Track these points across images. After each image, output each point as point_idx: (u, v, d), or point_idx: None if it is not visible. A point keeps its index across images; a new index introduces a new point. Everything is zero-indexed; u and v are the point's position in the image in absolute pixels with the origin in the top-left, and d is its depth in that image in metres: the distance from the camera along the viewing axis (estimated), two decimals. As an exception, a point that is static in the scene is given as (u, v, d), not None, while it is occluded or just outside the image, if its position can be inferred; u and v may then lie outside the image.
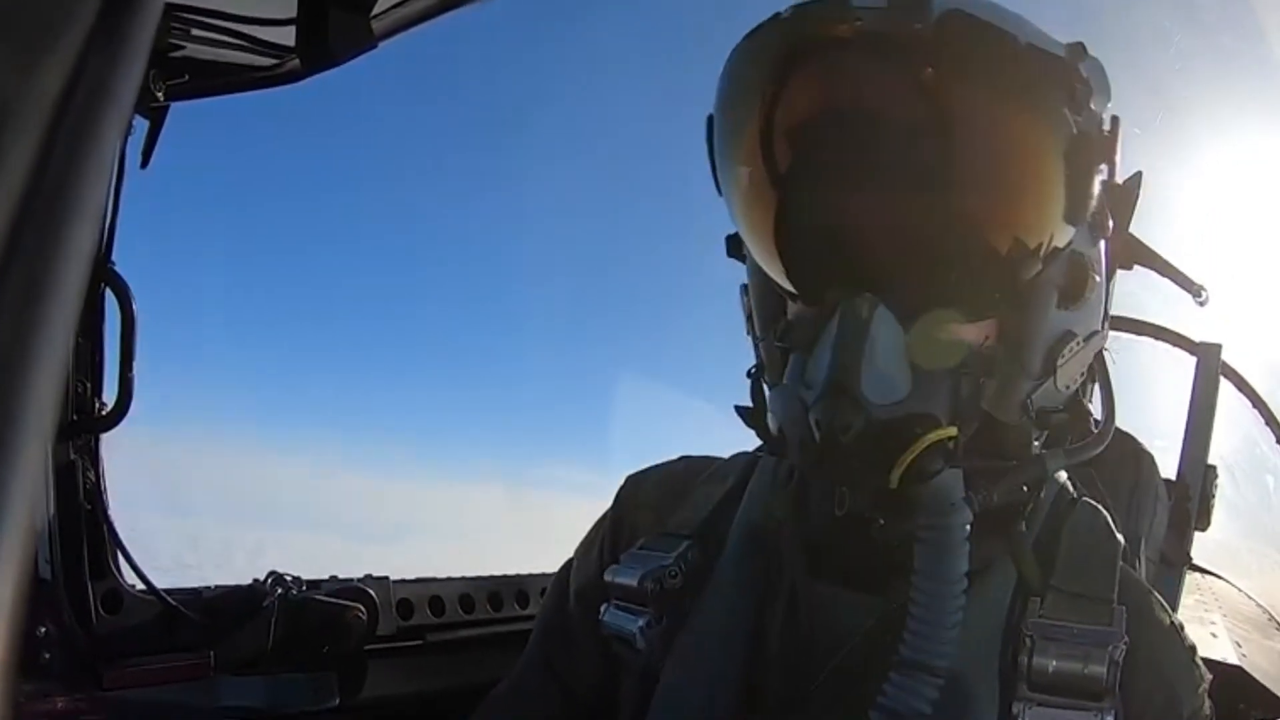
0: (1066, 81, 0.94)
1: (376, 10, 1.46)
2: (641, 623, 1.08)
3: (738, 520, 1.14)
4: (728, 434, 1.22)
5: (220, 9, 1.44)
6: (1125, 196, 1.17)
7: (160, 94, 1.50)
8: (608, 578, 1.13)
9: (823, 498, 1.04)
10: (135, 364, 1.49)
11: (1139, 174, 1.18)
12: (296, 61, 1.56)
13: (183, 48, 1.49)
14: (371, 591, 1.69)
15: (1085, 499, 1.12)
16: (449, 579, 1.89)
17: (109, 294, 1.49)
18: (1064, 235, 0.97)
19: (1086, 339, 1.04)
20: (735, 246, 1.12)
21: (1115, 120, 0.98)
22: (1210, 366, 1.82)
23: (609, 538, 1.24)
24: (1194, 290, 1.28)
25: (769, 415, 1.04)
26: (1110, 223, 1.07)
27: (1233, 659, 1.77)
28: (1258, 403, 2.00)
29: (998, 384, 0.97)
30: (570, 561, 1.29)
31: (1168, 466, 1.70)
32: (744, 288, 1.13)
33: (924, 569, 0.93)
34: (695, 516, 1.16)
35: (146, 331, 1.49)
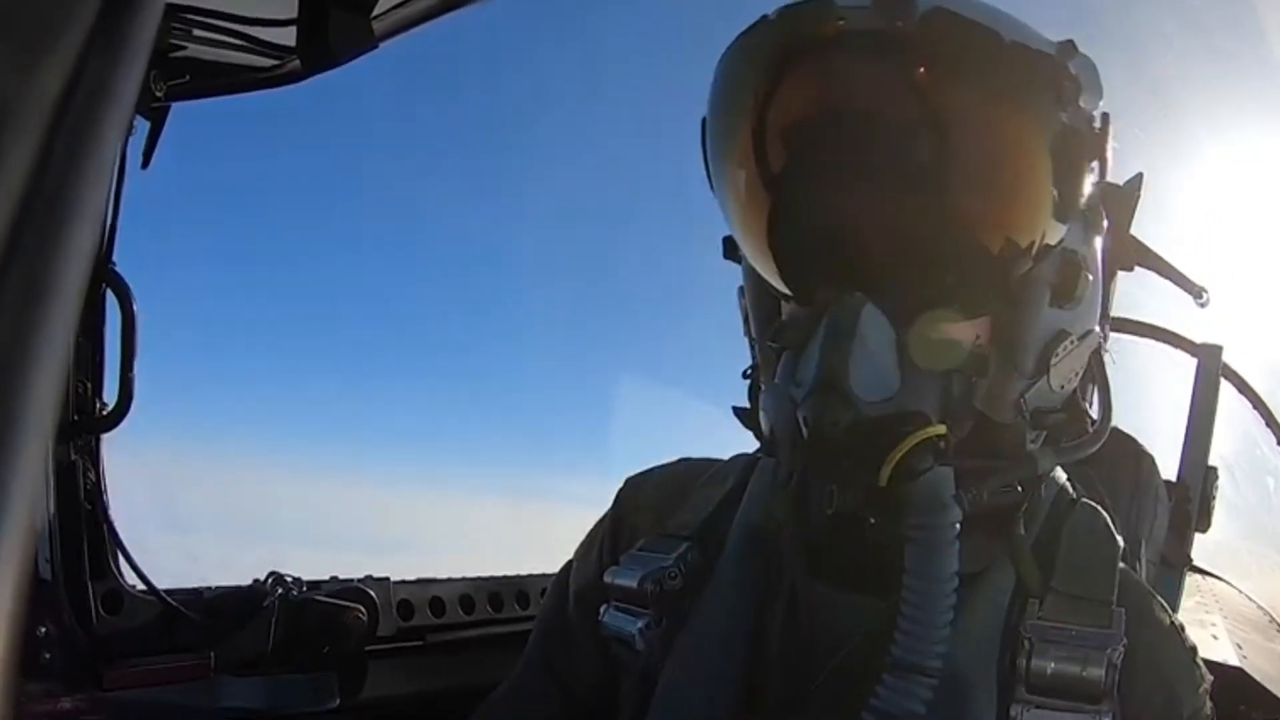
0: (1053, 77, 0.94)
1: (377, 11, 1.46)
2: (641, 624, 1.08)
3: (737, 521, 1.14)
4: (731, 438, 1.22)
5: (221, 9, 1.44)
6: (1126, 198, 1.17)
7: (161, 94, 1.50)
8: (607, 579, 1.13)
9: (820, 498, 1.04)
10: (135, 365, 1.49)
11: (1140, 176, 1.18)
12: (297, 62, 1.56)
13: (184, 48, 1.49)
14: (372, 592, 1.69)
15: (1085, 500, 1.11)
16: (449, 580, 1.89)
17: (110, 295, 1.49)
18: (1055, 233, 0.97)
19: (1081, 338, 1.04)
20: (731, 249, 1.13)
21: (1106, 117, 0.98)
22: (1211, 368, 1.82)
23: (608, 539, 1.23)
24: (1195, 292, 1.28)
25: (761, 415, 1.04)
26: (1105, 221, 1.07)
27: (1233, 661, 1.77)
28: (1258, 404, 2.00)
29: (990, 383, 0.97)
30: (570, 563, 1.29)
31: (1168, 468, 1.70)
32: (741, 290, 1.13)
33: (914, 568, 0.93)
34: (695, 518, 1.16)
35: (147, 337, 1.50)
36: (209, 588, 1.61)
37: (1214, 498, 1.76)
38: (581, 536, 1.30)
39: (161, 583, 1.52)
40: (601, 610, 1.13)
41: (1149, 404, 2.00)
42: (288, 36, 1.48)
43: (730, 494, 1.17)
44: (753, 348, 1.12)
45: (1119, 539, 1.07)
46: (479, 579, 1.95)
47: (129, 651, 1.47)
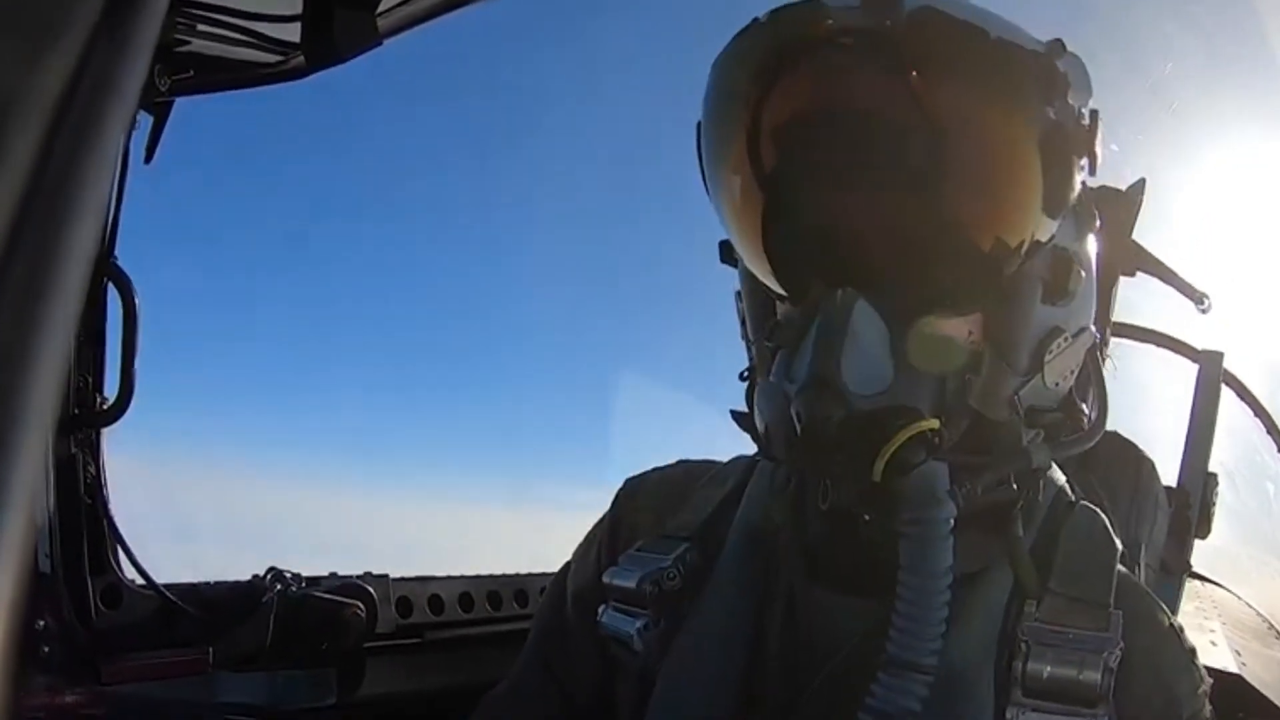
0: (1039, 74, 0.95)
1: (382, 7, 1.46)
2: (639, 624, 1.08)
3: (736, 523, 1.14)
4: (734, 445, 1.22)
5: (226, 4, 1.44)
6: (1127, 203, 1.17)
7: (165, 89, 1.50)
8: (606, 579, 1.13)
9: (816, 500, 1.04)
10: (136, 360, 1.49)
11: (1142, 181, 1.18)
12: (301, 58, 1.56)
13: (188, 43, 1.49)
14: (371, 589, 1.69)
15: (1084, 503, 1.11)
16: (448, 577, 1.89)
17: (112, 289, 1.49)
18: (1045, 229, 0.98)
19: (1075, 335, 1.04)
20: (727, 253, 1.13)
21: (1094, 114, 0.99)
22: (1212, 374, 1.82)
23: (607, 540, 1.23)
24: (1196, 297, 1.28)
25: (756, 413, 1.04)
26: (1097, 220, 1.07)
27: (1232, 667, 1.77)
28: (1259, 410, 2.00)
29: (984, 379, 0.97)
30: (568, 564, 1.29)
31: (1168, 473, 1.70)
32: (738, 294, 1.13)
33: (909, 564, 0.93)
34: (694, 519, 1.16)
35: (147, 340, 1.50)
36: (208, 583, 1.62)
37: (1214, 504, 1.75)
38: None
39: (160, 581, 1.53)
40: (600, 611, 1.13)
41: (1149, 409, 2.00)
42: (292, 32, 1.48)
43: (729, 495, 1.17)
44: (750, 350, 1.12)
45: (1117, 542, 1.07)
46: (478, 577, 1.95)
47: (128, 646, 1.47)
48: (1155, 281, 1.29)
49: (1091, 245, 1.07)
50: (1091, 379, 1.12)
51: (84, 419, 1.47)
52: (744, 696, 1.05)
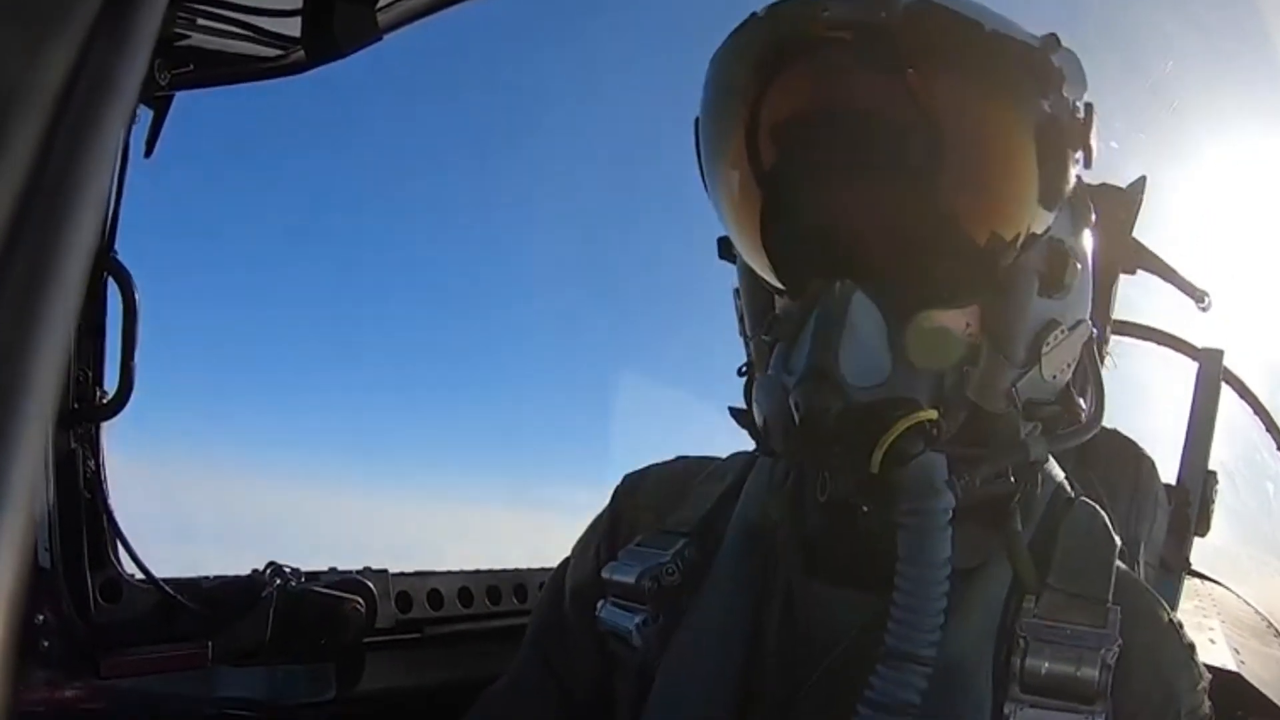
0: (1034, 68, 0.95)
1: (382, 3, 1.46)
2: (638, 620, 1.09)
3: (735, 518, 1.14)
4: (733, 444, 1.22)
5: (226, -1, 1.44)
6: (1128, 201, 1.17)
7: (165, 83, 1.50)
8: (605, 575, 1.13)
9: (815, 494, 1.04)
10: (136, 354, 1.49)
11: (1143, 179, 1.18)
12: (301, 53, 1.56)
13: (188, 37, 1.49)
14: (370, 584, 1.69)
15: (1083, 499, 1.11)
16: (447, 572, 1.90)
17: (112, 284, 1.49)
18: (1041, 221, 0.98)
19: (1072, 328, 1.04)
20: (726, 249, 1.13)
21: (1089, 107, 0.99)
22: (1212, 372, 1.82)
23: (606, 535, 1.24)
24: (1197, 295, 1.28)
25: (754, 407, 1.05)
26: (1093, 213, 1.07)
27: (1231, 665, 1.77)
28: (1259, 409, 2.00)
29: (982, 372, 0.97)
30: (567, 560, 1.29)
31: (1168, 472, 1.70)
32: (736, 290, 1.13)
33: (907, 555, 0.93)
34: (693, 514, 1.16)
35: (146, 337, 1.50)
36: (207, 578, 1.62)
37: (1213, 502, 1.76)
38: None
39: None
40: (599, 606, 1.13)
41: (1149, 407, 2.00)
42: (292, 27, 1.48)
43: (728, 491, 1.17)
44: (748, 346, 1.12)
45: (1116, 538, 1.07)
46: (477, 572, 1.95)
47: (127, 640, 1.47)
48: (1156, 279, 1.29)
49: (1087, 239, 1.08)
50: (1089, 373, 1.12)
51: (84, 413, 1.47)
52: (743, 692, 1.05)
